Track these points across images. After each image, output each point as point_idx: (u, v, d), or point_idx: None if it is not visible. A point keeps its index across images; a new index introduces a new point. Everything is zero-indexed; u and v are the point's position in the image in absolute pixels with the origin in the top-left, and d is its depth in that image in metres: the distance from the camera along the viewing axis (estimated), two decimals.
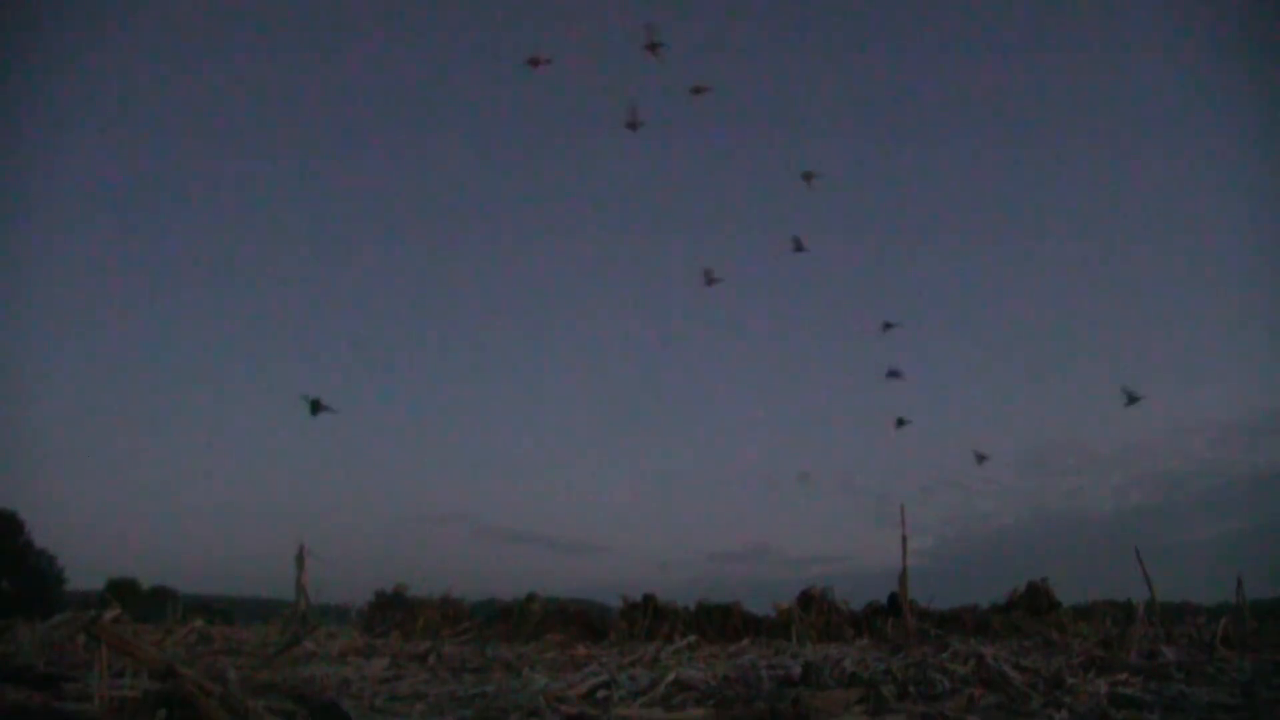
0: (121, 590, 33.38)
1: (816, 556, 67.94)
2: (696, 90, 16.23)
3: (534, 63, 15.58)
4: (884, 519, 47.16)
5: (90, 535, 53.99)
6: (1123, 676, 10.04)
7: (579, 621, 23.72)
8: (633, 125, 15.70)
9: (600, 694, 8.79)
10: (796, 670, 10.12)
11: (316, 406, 14.78)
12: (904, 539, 21.15)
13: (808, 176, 18.45)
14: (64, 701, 6.45)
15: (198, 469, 69.28)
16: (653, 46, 14.63)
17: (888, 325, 19.93)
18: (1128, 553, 20.98)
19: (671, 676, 9.34)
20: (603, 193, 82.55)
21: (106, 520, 58.02)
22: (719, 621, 22.91)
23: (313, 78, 77.59)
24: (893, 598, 22.61)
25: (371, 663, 13.41)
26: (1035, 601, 23.69)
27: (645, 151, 78.30)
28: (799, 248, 18.33)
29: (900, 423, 18.82)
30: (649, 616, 22.90)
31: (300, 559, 23.58)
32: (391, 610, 25.13)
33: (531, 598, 24.97)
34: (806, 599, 23.47)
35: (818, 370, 76.80)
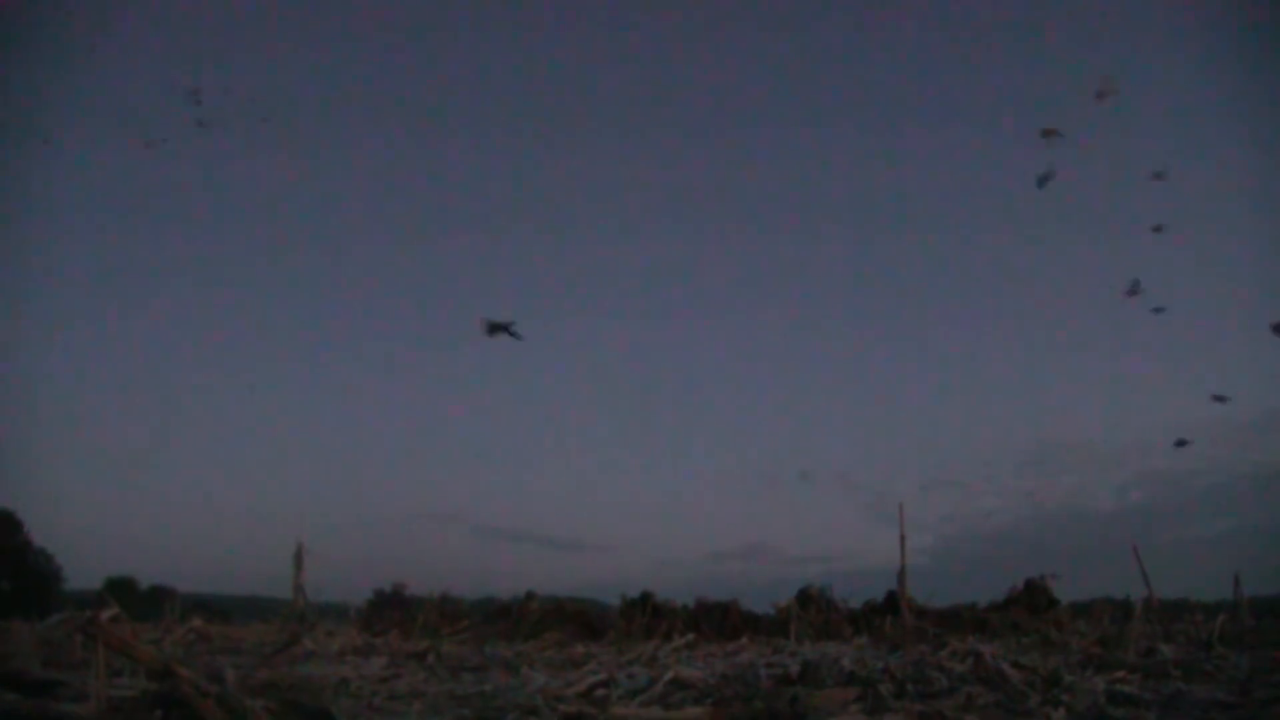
0: (119, 589, 33.30)
1: (815, 555, 68.14)
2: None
3: (1101, 95, 14.30)
4: (883, 517, 47.17)
5: (89, 534, 53.92)
6: (1120, 674, 10.03)
7: (577, 620, 23.72)
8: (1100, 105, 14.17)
9: (598, 692, 8.78)
10: (795, 669, 10.11)
11: (497, 328, 13.73)
12: (902, 537, 21.18)
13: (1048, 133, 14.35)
14: (61, 703, 6.43)
15: (197, 469, 69.21)
16: (1101, 95, 13.75)
17: (1047, 131, 14.99)
18: (1127, 551, 21.06)
19: (670, 675, 9.33)
20: (603, 194, 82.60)
21: (105, 519, 57.93)
22: (717, 620, 22.92)
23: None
24: (891, 596, 22.62)
25: (370, 662, 13.41)
26: (1034, 599, 23.70)
27: (644, 164, 78.34)
28: (1134, 290, 15.75)
29: (1180, 443, 17.59)
30: (647, 615, 22.91)
31: (299, 558, 23.61)
32: (390, 609, 25.17)
33: (530, 596, 24.98)
34: (805, 597, 23.48)
35: (817, 369, 76.94)
